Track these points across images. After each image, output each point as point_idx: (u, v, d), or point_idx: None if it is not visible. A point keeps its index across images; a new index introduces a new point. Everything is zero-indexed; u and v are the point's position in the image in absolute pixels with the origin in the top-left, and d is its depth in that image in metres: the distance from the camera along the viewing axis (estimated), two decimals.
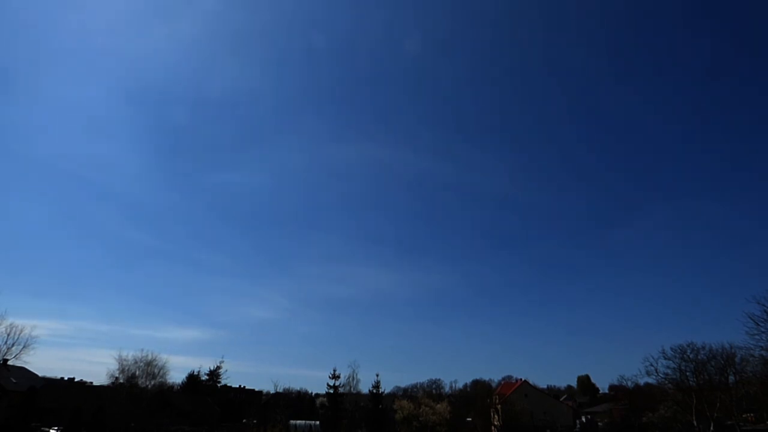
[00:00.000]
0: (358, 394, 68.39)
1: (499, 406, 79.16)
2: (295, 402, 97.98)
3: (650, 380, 55.50)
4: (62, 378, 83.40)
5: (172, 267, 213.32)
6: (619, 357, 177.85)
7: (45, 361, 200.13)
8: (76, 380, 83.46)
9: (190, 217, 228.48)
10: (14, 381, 58.36)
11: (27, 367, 62.15)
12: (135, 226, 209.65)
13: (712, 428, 45.32)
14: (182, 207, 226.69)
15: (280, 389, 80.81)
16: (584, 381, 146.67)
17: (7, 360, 52.08)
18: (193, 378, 79.37)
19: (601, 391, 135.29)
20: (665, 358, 49.44)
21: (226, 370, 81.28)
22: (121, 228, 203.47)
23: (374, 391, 65.72)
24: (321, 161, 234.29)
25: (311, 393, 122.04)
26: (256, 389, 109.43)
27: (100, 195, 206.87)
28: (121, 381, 57.54)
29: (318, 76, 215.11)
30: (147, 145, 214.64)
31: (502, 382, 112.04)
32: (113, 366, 59.40)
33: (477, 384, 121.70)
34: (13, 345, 49.43)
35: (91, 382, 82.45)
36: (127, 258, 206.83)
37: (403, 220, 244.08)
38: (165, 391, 65.03)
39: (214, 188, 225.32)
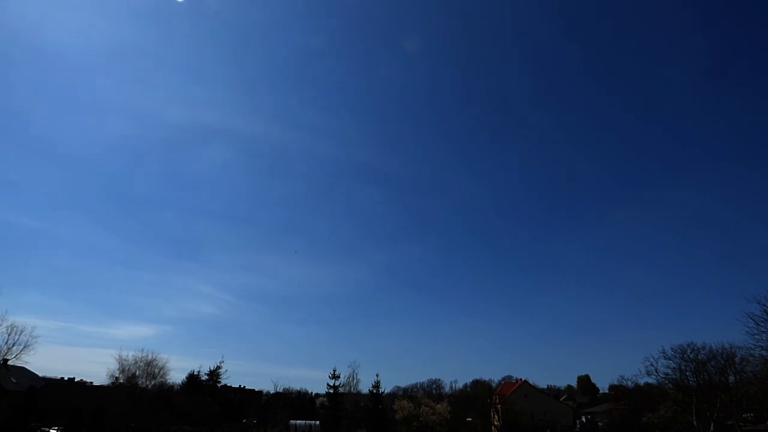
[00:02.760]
0: (358, 394, 68.48)
1: (499, 406, 79.18)
2: (295, 402, 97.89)
3: (650, 380, 55.47)
4: (62, 378, 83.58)
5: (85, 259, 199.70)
6: (619, 357, 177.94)
7: (45, 361, 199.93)
8: (76, 380, 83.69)
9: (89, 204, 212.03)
10: (14, 381, 58.43)
11: (27, 367, 62.24)
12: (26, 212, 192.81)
13: (712, 428, 45.31)
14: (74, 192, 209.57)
15: (280, 389, 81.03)
16: (584, 381, 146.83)
17: (7, 360, 52.01)
18: (193, 378, 79.57)
19: (601, 391, 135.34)
20: (665, 358, 49.45)
21: (226, 370, 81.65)
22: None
23: (374, 391, 65.76)
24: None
25: (311, 393, 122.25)
26: (256, 389, 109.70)
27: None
28: (121, 381, 57.50)
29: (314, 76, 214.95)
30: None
31: (502, 382, 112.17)
32: (113, 366, 59.36)
33: (477, 384, 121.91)
34: (13, 345, 49.32)
35: (91, 382, 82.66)
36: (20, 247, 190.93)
37: (379, 218, 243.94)
38: (165, 391, 65.02)
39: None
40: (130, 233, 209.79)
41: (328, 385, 64.80)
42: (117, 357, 57.91)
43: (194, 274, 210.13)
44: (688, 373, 48.44)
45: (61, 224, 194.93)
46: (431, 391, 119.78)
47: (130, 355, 58.34)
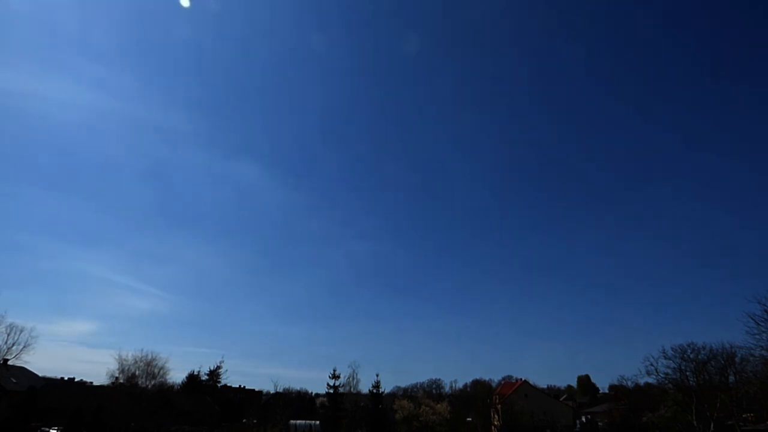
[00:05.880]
0: (358, 394, 68.36)
1: (499, 406, 79.16)
2: (295, 402, 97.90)
3: (650, 380, 55.52)
4: (62, 378, 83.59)
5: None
6: (619, 357, 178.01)
7: (45, 361, 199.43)
8: (76, 380, 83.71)
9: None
10: (14, 381, 58.42)
11: (27, 367, 62.24)
12: None
13: (712, 428, 45.30)
14: None
15: (280, 389, 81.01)
16: (584, 381, 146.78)
17: (7, 360, 52.08)
18: (193, 378, 79.62)
19: (601, 391, 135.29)
20: (665, 358, 49.46)
21: (226, 370, 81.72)
22: None
23: (374, 391, 65.70)
24: None
25: (311, 393, 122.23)
26: (256, 389, 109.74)
27: None
28: (121, 381, 57.53)
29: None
30: None
31: (502, 382, 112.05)
32: (113, 366, 59.43)
33: (477, 384, 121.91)
34: (13, 345, 49.42)
35: (91, 382, 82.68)
36: None
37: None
38: (165, 390, 65.03)
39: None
40: (55, 222, 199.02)
41: (328, 385, 64.82)
42: (117, 357, 58.09)
43: (119, 266, 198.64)
44: (688, 373, 48.45)
45: None
46: (431, 391, 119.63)
47: (129, 354, 58.49)
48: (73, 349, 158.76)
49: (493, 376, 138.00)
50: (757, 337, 37.15)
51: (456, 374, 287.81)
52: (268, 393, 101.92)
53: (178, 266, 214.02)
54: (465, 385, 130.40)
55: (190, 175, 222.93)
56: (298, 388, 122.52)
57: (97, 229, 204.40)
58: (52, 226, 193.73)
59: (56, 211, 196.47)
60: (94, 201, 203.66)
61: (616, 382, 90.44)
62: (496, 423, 77.83)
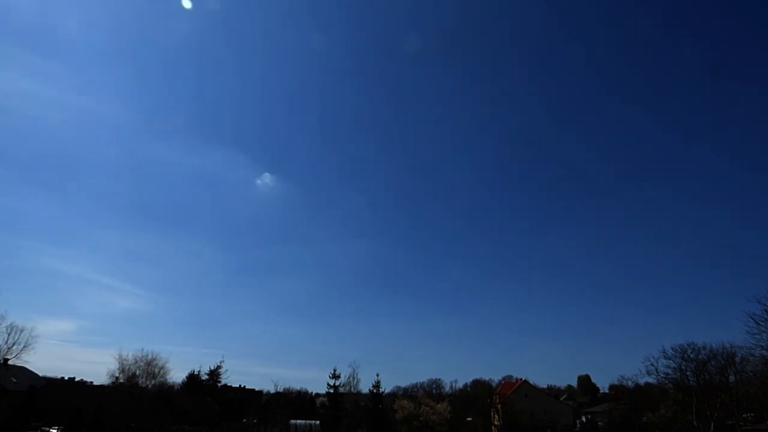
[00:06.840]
0: (359, 393, 68.39)
1: (499, 406, 79.20)
2: (295, 402, 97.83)
3: (650, 380, 55.64)
4: (62, 378, 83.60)
5: None
6: (619, 357, 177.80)
7: (45, 361, 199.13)
8: (76, 380, 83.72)
9: None
10: (14, 381, 58.46)
11: (27, 366, 62.26)
12: None
13: (712, 428, 45.33)
14: None
15: (280, 389, 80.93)
16: (584, 381, 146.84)
17: (7, 360, 52.06)
18: (193, 377, 79.67)
19: (601, 391, 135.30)
20: (666, 358, 49.59)
21: (227, 370, 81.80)
22: None
23: (374, 390, 65.71)
24: None
25: (311, 393, 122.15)
26: (256, 389, 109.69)
27: None
28: (121, 381, 57.57)
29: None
30: None
31: (502, 382, 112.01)
32: (113, 366, 59.43)
33: (477, 384, 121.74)
34: (13, 345, 49.38)
35: (91, 382, 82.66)
36: None
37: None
38: (165, 390, 65.07)
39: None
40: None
41: (328, 384, 64.77)
42: (117, 357, 58.14)
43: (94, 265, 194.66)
44: (688, 373, 48.53)
45: None
46: (431, 391, 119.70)
47: (130, 354, 58.52)
48: (61, 348, 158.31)
49: (493, 376, 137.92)
50: (757, 337, 37.32)
51: (456, 374, 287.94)
52: (268, 393, 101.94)
53: (175, 266, 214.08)
54: (465, 385, 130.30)
55: (189, 175, 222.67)
56: (298, 388, 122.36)
57: (84, 228, 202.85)
58: (36, 225, 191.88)
59: (41, 209, 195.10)
60: (83, 199, 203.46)
61: (616, 382, 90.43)
62: (496, 423, 77.88)
